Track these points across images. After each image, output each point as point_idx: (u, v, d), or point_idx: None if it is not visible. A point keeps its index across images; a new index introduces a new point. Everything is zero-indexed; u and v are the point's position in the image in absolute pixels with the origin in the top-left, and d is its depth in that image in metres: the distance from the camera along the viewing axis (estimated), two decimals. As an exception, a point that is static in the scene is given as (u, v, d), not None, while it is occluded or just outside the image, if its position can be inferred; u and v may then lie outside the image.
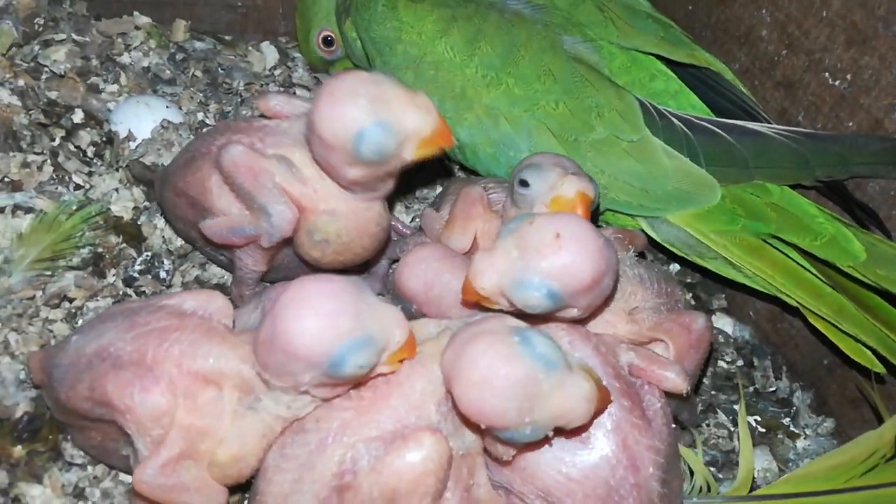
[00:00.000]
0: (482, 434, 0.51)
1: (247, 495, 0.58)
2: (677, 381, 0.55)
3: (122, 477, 0.60)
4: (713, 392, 0.78)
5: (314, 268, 0.66)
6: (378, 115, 0.54)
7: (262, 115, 0.67)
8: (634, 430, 0.52)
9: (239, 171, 0.59)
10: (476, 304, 0.54)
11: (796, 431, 0.76)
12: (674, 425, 0.60)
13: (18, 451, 0.58)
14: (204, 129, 0.84)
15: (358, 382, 0.52)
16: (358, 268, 0.70)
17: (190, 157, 0.66)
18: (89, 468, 0.60)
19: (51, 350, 0.57)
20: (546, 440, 0.50)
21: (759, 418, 0.77)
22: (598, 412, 0.49)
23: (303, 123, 0.61)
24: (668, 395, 0.58)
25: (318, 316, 0.47)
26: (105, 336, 0.53)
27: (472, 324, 0.49)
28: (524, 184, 0.61)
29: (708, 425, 0.74)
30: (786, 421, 0.77)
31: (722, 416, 0.76)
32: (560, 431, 0.49)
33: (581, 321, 0.57)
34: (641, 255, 0.72)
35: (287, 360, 0.48)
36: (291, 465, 0.52)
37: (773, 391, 0.79)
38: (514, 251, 0.50)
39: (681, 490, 0.57)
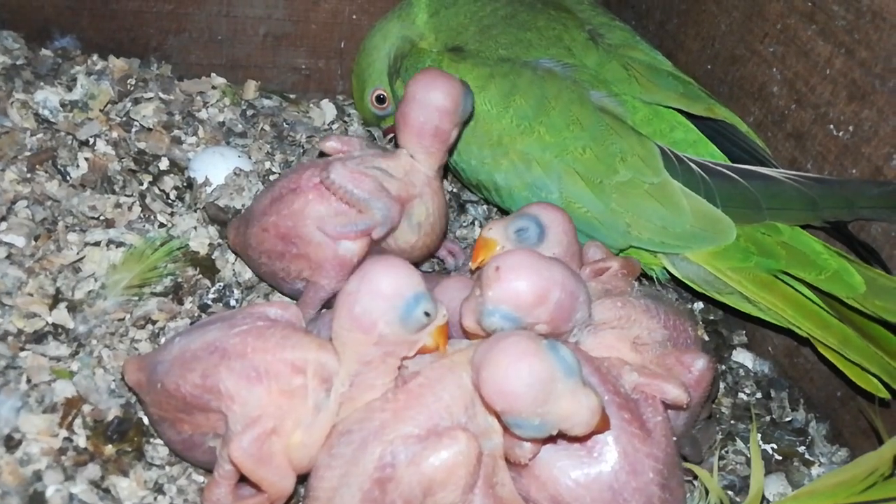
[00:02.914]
0: (502, 434, 0.58)
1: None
2: (677, 393, 0.61)
3: (195, 476, 0.68)
4: (732, 421, 0.82)
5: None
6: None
7: (321, 154, 0.78)
8: (634, 439, 0.58)
9: (347, 181, 0.71)
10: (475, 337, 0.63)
11: (811, 459, 0.79)
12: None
13: (109, 449, 0.66)
14: (270, 177, 0.94)
15: (399, 376, 0.60)
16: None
17: (277, 195, 0.76)
18: (167, 468, 0.67)
19: (149, 354, 0.66)
20: (551, 440, 0.57)
21: (775, 446, 0.80)
22: (597, 431, 0.56)
23: (367, 150, 0.76)
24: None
25: (398, 270, 0.59)
26: (209, 334, 0.62)
27: (504, 332, 0.57)
28: None
29: (727, 452, 0.78)
30: (801, 449, 0.80)
31: (740, 444, 0.79)
32: (562, 436, 0.56)
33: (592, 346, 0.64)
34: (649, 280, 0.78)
35: (371, 300, 0.57)
36: (338, 462, 0.59)
37: (790, 421, 0.83)
38: (477, 290, 0.60)
39: (683, 496, 0.62)
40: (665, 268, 0.84)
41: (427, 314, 0.59)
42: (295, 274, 0.76)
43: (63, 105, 0.92)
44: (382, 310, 0.58)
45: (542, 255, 0.61)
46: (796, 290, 0.76)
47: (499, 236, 0.71)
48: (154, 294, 0.79)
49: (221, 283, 0.82)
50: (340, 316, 0.60)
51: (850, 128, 0.77)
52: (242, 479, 0.63)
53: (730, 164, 0.81)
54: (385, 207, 0.72)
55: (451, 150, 0.81)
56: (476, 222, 0.97)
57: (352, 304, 0.59)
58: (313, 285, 0.75)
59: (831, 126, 0.79)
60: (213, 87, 1.04)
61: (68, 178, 0.86)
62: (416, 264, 0.82)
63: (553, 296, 0.59)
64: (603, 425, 0.56)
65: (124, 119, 0.95)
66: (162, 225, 0.85)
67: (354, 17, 1.09)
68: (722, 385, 0.85)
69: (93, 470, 0.65)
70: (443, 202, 0.79)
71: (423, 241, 0.78)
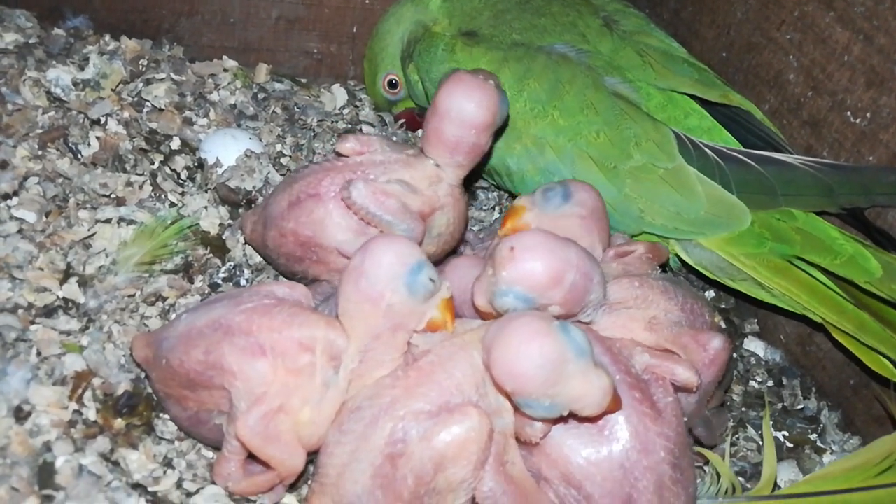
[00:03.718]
0: (513, 414, 0.57)
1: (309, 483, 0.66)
2: (688, 375, 0.60)
3: (205, 452, 0.67)
4: (744, 409, 0.82)
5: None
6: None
7: (338, 154, 0.76)
8: (645, 418, 0.58)
9: (370, 202, 0.69)
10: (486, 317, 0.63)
11: (823, 447, 0.79)
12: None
13: (119, 422, 0.66)
14: (281, 159, 0.94)
15: (407, 353, 0.60)
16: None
17: (295, 199, 0.73)
18: (177, 443, 0.67)
19: (157, 330, 0.66)
20: (562, 419, 0.56)
21: (787, 434, 0.80)
22: (608, 411, 0.56)
23: (391, 150, 0.73)
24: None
25: (399, 241, 0.61)
26: (215, 311, 0.62)
27: (516, 313, 0.57)
28: None
29: (738, 439, 0.78)
30: (813, 437, 0.80)
31: (752, 431, 0.79)
32: (573, 415, 0.55)
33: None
34: (663, 268, 0.78)
35: (376, 270, 0.58)
36: (349, 438, 0.58)
37: (801, 409, 0.82)
38: (490, 269, 0.60)
39: (693, 477, 0.61)
40: (677, 254, 0.83)
41: (432, 280, 0.59)
42: (313, 276, 0.76)
43: (75, 84, 0.92)
44: (388, 278, 0.58)
45: (557, 235, 0.60)
46: (811, 275, 0.76)
47: (527, 202, 0.72)
48: (164, 271, 0.78)
49: (231, 264, 0.82)
50: (347, 291, 0.60)
51: (868, 115, 0.76)
52: (253, 457, 0.63)
53: (745, 149, 0.81)
54: (409, 229, 0.70)
55: (484, 161, 0.77)
56: (490, 208, 0.97)
57: (357, 277, 0.59)
58: (328, 283, 0.75)
59: (848, 113, 0.79)
60: (225, 70, 1.03)
61: (80, 155, 0.86)
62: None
63: (568, 278, 0.59)
64: (614, 405, 0.56)
65: (136, 99, 0.95)
66: (173, 204, 0.85)
67: (367, 1, 1.09)
68: (734, 373, 0.85)
69: (102, 443, 0.64)
70: (463, 208, 0.76)
71: (441, 248, 0.76)
